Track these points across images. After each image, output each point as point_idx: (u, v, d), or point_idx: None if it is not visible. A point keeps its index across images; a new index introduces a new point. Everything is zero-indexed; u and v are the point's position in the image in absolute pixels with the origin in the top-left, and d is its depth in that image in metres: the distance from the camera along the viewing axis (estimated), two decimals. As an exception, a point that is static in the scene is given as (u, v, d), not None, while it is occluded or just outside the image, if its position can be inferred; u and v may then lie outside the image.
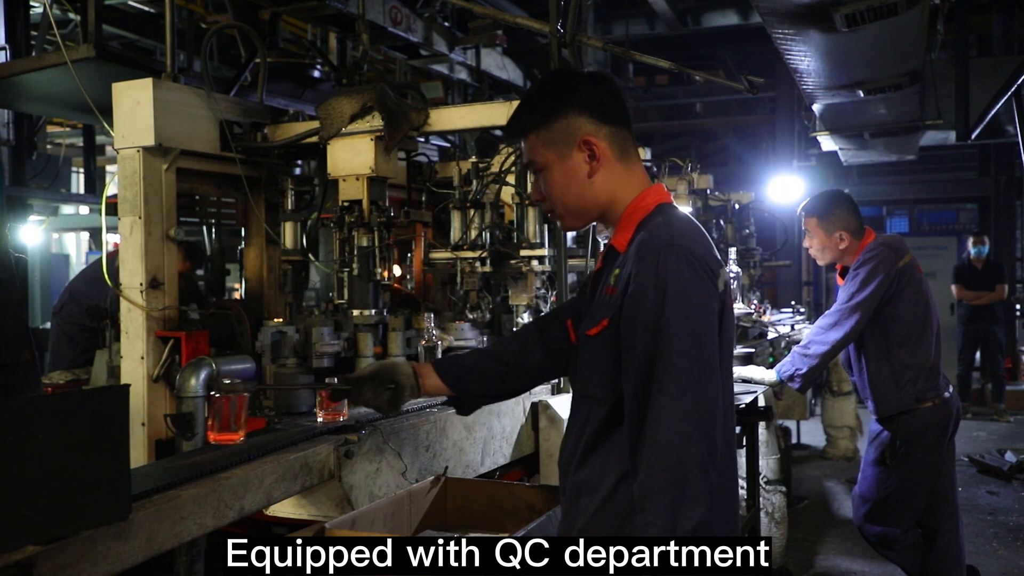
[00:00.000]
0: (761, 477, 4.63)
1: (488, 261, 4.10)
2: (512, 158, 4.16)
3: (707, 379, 1.58)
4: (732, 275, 4.81)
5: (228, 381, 2.68)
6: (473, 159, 4.51)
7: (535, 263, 4.14)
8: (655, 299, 1.59)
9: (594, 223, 1.86)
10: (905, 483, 3.66)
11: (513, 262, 4.16)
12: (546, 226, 4.19)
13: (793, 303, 7.91)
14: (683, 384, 1.55)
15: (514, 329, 4.25)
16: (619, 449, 1.66)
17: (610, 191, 1.77)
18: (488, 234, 4.17)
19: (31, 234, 8.53)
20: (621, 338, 1.65)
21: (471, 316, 4.07)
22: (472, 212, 4.22)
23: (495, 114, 4.09)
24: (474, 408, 2.27)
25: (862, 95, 5.98)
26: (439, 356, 3.52)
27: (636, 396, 1.60)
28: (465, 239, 4.20)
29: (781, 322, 6.34)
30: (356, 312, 3.67)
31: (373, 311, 3.68)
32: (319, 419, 2.84)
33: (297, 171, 4.39)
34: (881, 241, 3.70)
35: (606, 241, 4.17)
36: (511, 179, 4.27)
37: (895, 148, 8.85)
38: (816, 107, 6.74)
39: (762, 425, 4.52)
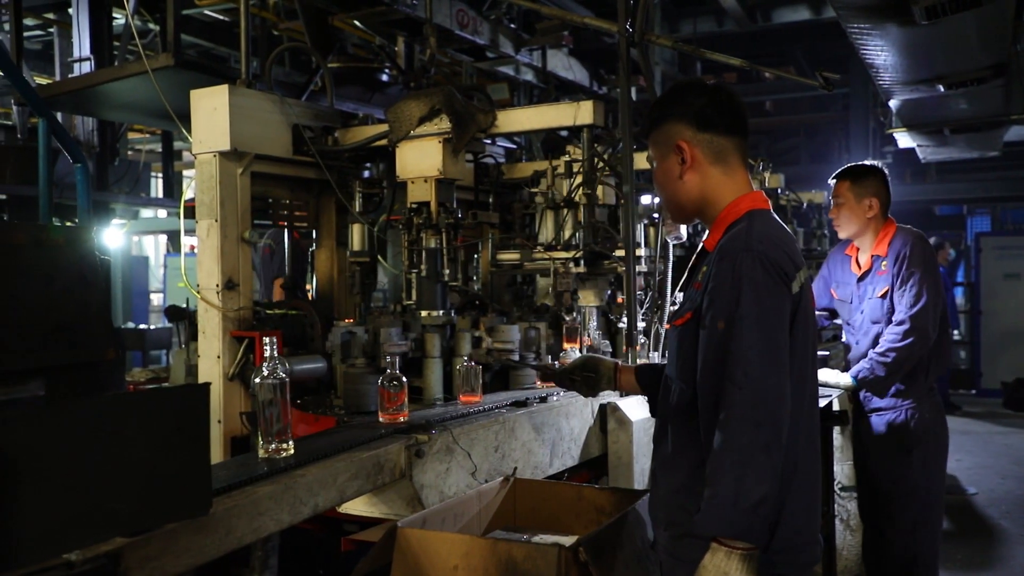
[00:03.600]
0: (836, 483, 4.52)
1: (582, 262, 4.06)
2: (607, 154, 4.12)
3: (773, 371, 1.74)
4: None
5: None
6: (566, 157, 4.47)
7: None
8: (730, 297, 1.78)
9: (696, 220, 2.08)
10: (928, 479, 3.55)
11: (608, 262, 4.10)
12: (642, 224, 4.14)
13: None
14: (751, 374, 1.72)
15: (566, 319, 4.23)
16: (697, 429, 1.85)
17: (701, 192, 1.97)
18: (581, 234, 4.11)
19: (113, 237, 8.84)
20: (699, 330, 1.84)
21: (567, 318, 4.02)
22: (565, 212, 4.17)
23: (562, 115, 4.08)
24: None
25: (942, 90, 5.78)
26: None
27: (710, 383, 1.80)
28: (559, 239, 4.17)
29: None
30: (424, 313, 3.70)
31: (441, 312, 3.70)
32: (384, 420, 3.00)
33: (366, 174, 4.46)
34: (920, 236, 3.61)
35: (674, 242, 4.12)
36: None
37: (977, 144, 8.54)
38: (893, 103, 6.55)
39: (837, 430, 4.40)
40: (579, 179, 4.16)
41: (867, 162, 3.82)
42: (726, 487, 1.69)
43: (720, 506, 1.69)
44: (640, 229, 4.16)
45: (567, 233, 4.15)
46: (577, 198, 4.14)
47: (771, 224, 1.91)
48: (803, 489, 1.85)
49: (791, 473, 1.80)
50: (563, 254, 4.09)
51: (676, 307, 2.04)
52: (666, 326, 4.08)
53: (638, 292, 4.12)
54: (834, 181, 3.76)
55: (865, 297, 3.67)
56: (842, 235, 3.78)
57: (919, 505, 3.52)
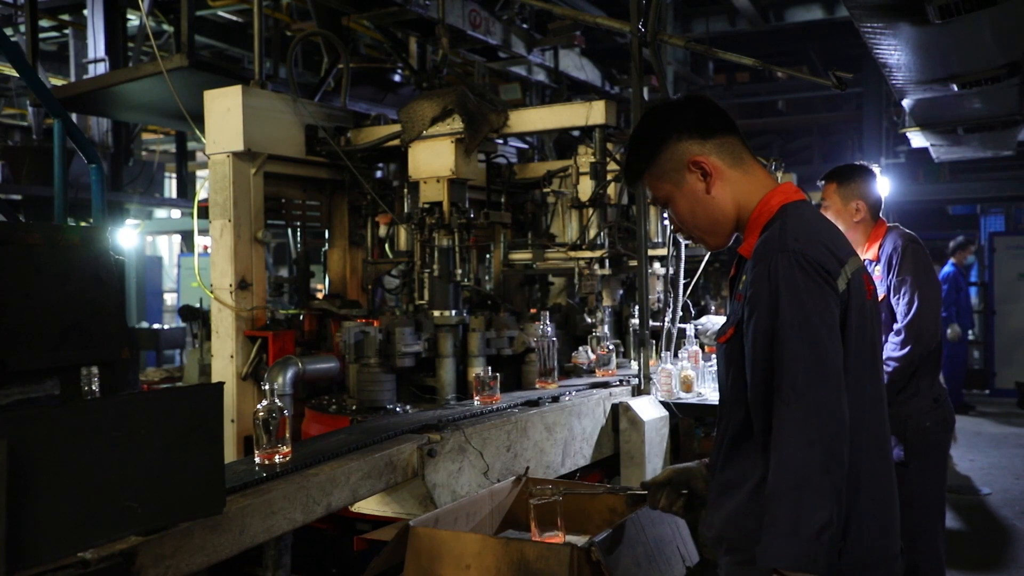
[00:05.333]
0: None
1: (608, 262, 4.06)
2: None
3: (824, 382, 1.59)
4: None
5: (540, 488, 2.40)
6: (593, 158, 4.46)
7: (656, 265, 4.08)
8: (768, 306, 1.63)
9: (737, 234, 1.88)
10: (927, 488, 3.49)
11: (633, 263, 4.08)
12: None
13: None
14: (799, 388, 1.58)
15: (592, 331, 4.24)
16: (752, 450, 1.71)
17: (733, 199, 1.81)
18: (606, 234, 4.11)
19: (127, 237, 8.89)
20: (744, 345, 1.70)
21: (589, 320, 4.02)
22: (591, 211, 4.17)
23: (574, 115, 4.08)
24: None
25: (956, 89, 5.73)
26: (557, 349, 3.58)
27: (760, 401, 1.66)
28: (583, 239, 4.16)
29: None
30: (436, 313, 3.71)
31: (453, 312, 3.71)
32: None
33: (378, 174, 4.47)
34: (910, 236, 3.55)
35: (687, 240, 4.05)
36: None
37: (991, 143, 8.47)
38: (906, 102, 6.50)
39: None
40: (609, 177, 4.17)
41: (856, 163, 3.76)
42: (784, 514, 1.55)
43: (780, 536, 1.55)
44: (662, 228, 4.15)
45: (592, 232, 4.15)
46: (611, 198, 4.14)
47: (807, 217, 1.75)
48: (873, 500, 1.69)
49: (855, 485, 1.65)
50: (588, 253, 4.10)
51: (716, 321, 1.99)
52: (679, 331, 4.08)
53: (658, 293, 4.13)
54: (822, 183, 3.70)
55: None
56: None
57: (917, 515, 3.43)
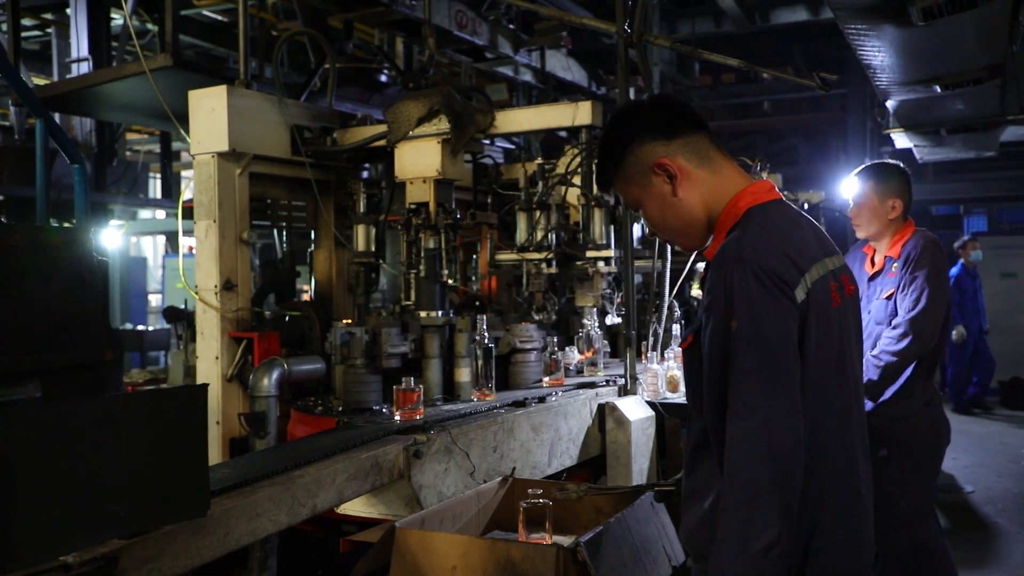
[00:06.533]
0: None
1: (554, 262, 4.10)
2: (578, 159, 4.15)
3: (777, 397, 1.56)
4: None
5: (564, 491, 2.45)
6: (539, 160, 4.51)
7: (601, 264, 4.12)
8: (723, 317, 1.60)
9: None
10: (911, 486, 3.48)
11: (579, 263, 4.14)
12: (612, 227, 4.17)
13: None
14: (751, 403, 1.55)
15: (580, 331, 4.25)
16: (715, 460, 1.68)
17: (702, 200, 1.76)
18: (554, 235, 4.17)
19: (111, 238, 8.84)
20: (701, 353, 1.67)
21: (537, 317, 4.07)
22: (538, 213, 4.22)
23: (560, 115, 4.08)
24: None
25: (939, 90, 5.77)
26: (494, 356, 3.55)
27: (714, 414, 1.64)
28: (531, 240, 4.21)
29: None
30: (423, 313, 3.70)
31: (440, 312, 3.70)
32: (396, 417, 2.97)
33: (365, 175, 4.46)
34: (933, 240, 3.56)
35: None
36: (576, 180, 4.26)
37: (974, 144, 8.53)
38: (890, 103, 6.54)
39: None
40: (552, 181, 4.22)
41: (890, 161, 3.77)
42: (733, 531, 1.54)
43: (728, 552, 1.54)
44: (610, 230, 4.16)
45: (539, 234, 4.19)
46: (551, 200, 4.18)
47: (770, 222, 1.69)
48: (839, 512, 1.66)
49: (819, 498, 1.63)
50: (535, 255, 4.13)
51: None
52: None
53: (605, 291, 4.18)
54: (856, 179, 3.69)
55: (872, 297, 3.63)
56: (860, 235, 3.69)
57: (888, 516, 3.44)
